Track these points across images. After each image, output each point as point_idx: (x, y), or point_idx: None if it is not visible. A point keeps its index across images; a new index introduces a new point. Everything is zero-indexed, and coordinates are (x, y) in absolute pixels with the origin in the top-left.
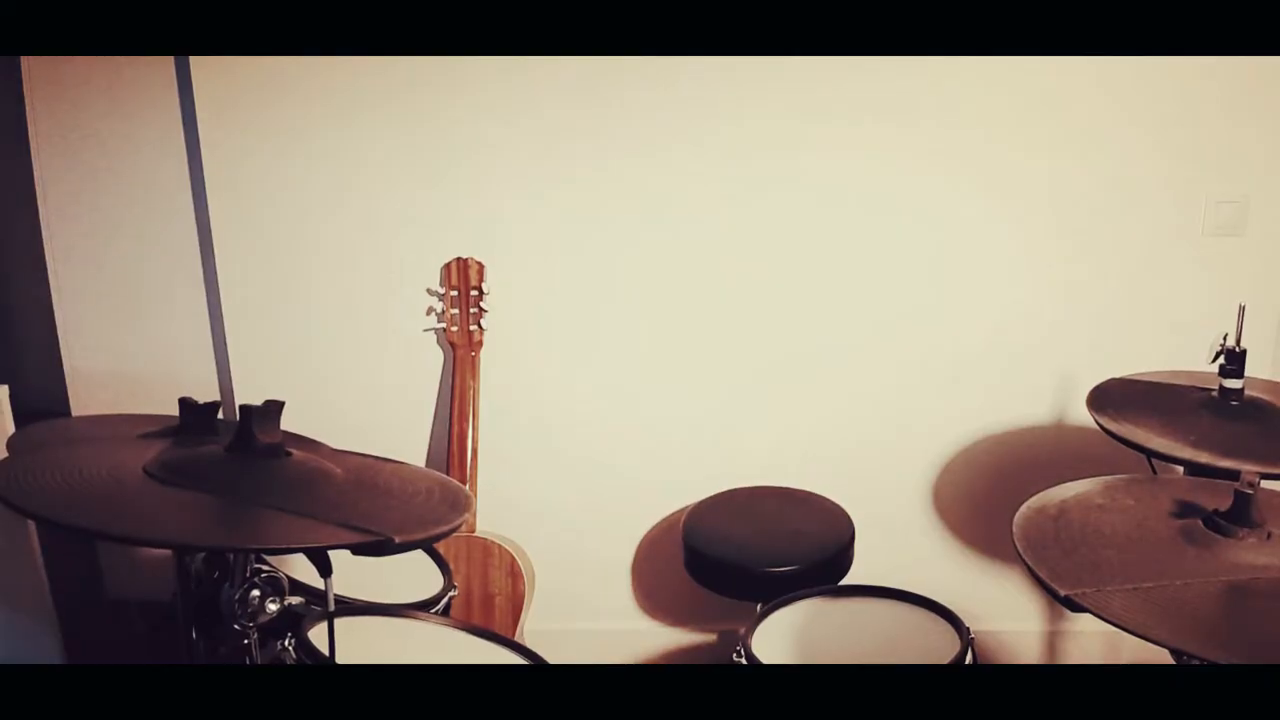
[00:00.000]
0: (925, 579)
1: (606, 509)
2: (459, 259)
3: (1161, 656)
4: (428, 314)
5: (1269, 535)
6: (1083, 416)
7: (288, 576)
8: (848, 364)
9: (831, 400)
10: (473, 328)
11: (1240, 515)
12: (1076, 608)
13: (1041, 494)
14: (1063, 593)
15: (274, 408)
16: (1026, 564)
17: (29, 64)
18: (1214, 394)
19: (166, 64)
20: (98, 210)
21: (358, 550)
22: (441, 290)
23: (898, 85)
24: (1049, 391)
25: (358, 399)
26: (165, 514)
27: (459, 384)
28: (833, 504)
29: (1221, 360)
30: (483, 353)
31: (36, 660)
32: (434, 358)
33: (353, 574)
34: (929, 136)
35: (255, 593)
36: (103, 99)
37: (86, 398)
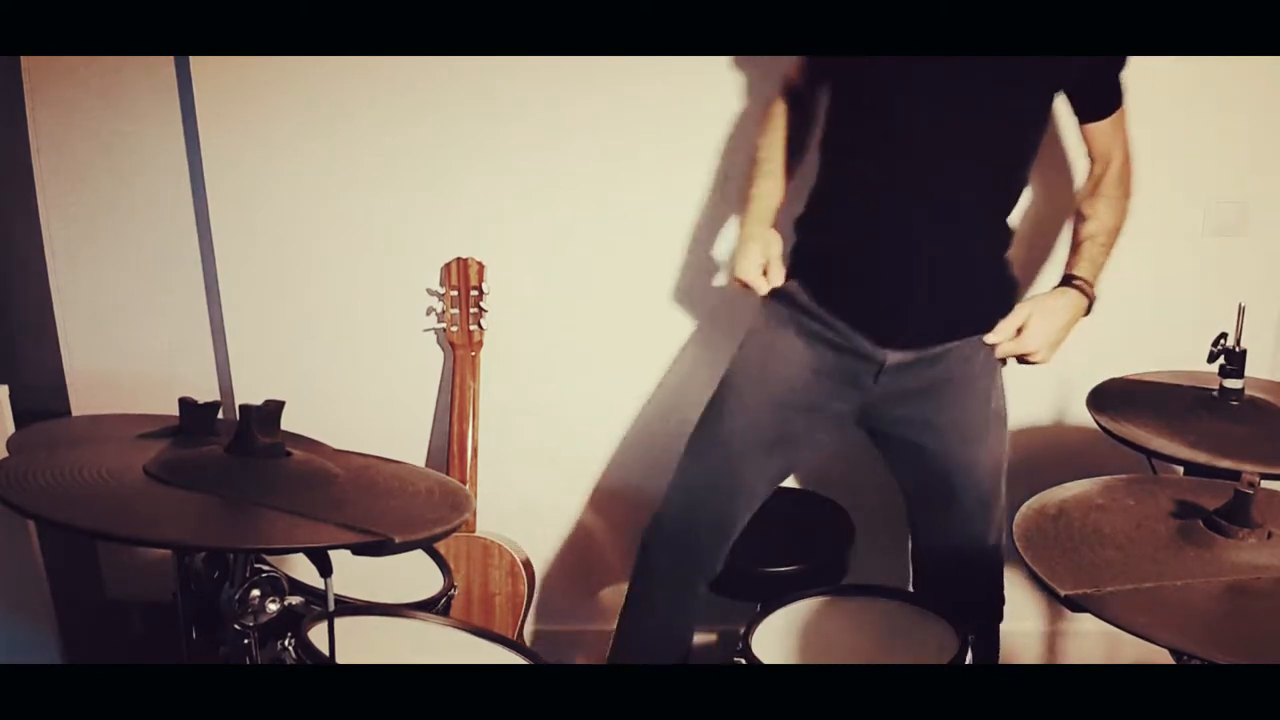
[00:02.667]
0: None
1: (607, 509)
2: (459, 259)
3: (1161, 656)
4: (428, 314)
5: (1269, 535)
6: (1083, 416)
7: (288, 576)
8: None
9: None
10: (473, 328)
11: (1240, 515)
12: (1076, 608)
13: (1041, 494)
14: (1063, 593)
15: (274, 408)
16: (1026, 564)
17: (29, 64)
18: (1214, 394)
19: (166, 64)
20: (98, 210)
21: (358, 550)
22: (441, 290)
23: None
24: (1049, 391)
25: (358, 399)
26: (165, 514)
27: (459, 384)
28: (833, 504)
29: (1221, 360)
30: (483, 353)
31: (36, 660)
32: (434, 358)
33: (353, 574)
34: None
35: (255, 593)
36: (103, 99)
37: (87, 398)
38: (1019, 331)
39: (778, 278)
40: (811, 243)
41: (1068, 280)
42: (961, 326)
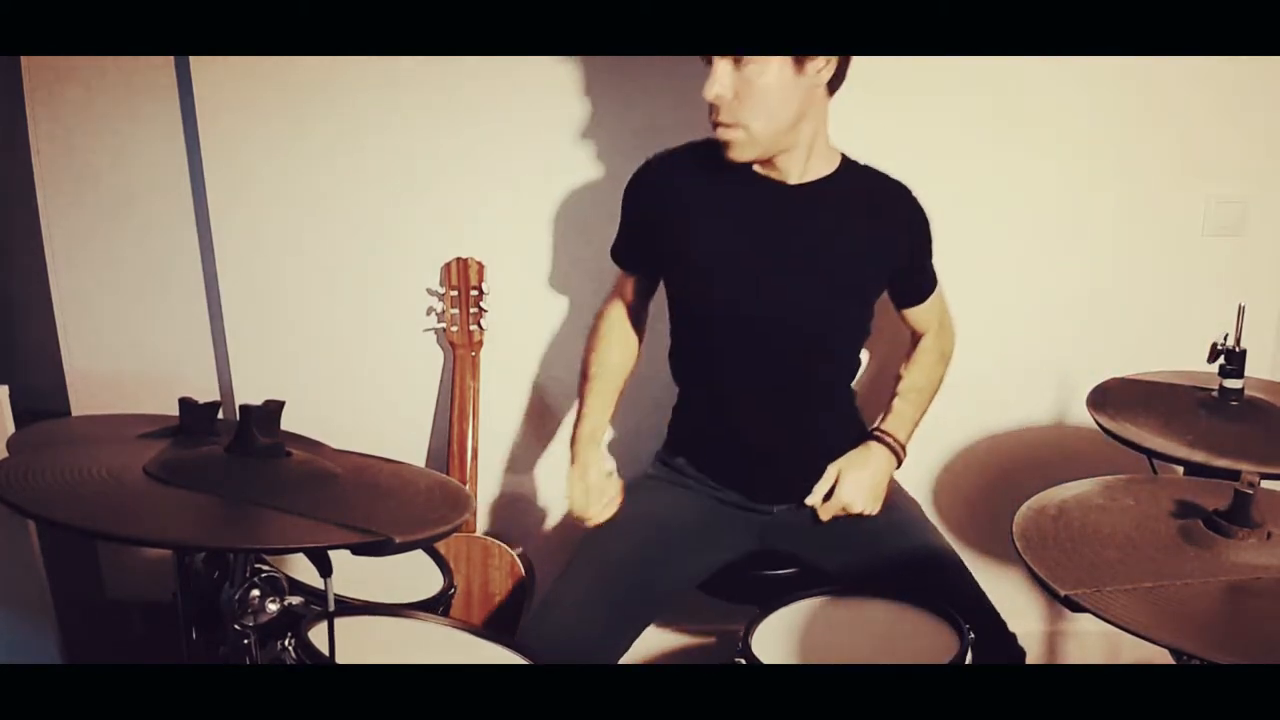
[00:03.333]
0: None
1: None
2: (459, 259)
3: (1161, 656)
4: (428, 314)
5: (1269, 535)
6: (1083, 416)
7: (288, 576)
8: None
9: None
10: (473, 328)
11: (1240, 515)
12: (1076, 608)
13: (1041, 494)
14: (1063, 593)
15: (274, 408)
16: (1026, 564)
17: (29, 64)
18: (1214, 394)
19: (166, 64)
20: (98, 210)
21: (358, 550)
22: (441, 290)
23: (901, 84)
24: (1049, 391)
25: (358, 399)
26: (165, 514)
27: (459, 384)
28: None
29: (1221, 360)
30: (483, 353)
31: (36, 660)
32: (434, 358)
33: (353, 574)
34: (927, 137)
35: (255, 593)
36: (103, 99)
37: (86, 398)
38: (833, 490)
39: (616, 495)
40: (684, 427)
41: (872, 435)
42: None
